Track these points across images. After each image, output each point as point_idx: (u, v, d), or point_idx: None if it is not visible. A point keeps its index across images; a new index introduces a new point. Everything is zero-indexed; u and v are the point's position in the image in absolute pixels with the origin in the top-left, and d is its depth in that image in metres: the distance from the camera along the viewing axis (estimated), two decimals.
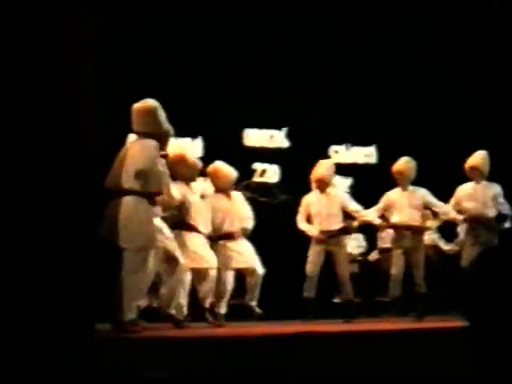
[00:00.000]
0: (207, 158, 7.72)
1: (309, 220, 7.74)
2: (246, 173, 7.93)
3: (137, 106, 5.56)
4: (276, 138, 10.19)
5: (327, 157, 10.22)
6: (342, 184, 10.21)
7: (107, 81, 5.78)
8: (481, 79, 9.02)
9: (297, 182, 8.19)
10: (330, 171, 7.73)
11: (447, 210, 7.41)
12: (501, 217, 7.32)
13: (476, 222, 7.22)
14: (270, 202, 8.04)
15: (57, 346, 3.71)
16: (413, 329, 5.69)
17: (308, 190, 7.83)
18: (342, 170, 10.20)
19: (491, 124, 8.92)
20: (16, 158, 4.24)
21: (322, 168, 7.68)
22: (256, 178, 9.24)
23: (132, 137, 5.69)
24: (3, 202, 4.20)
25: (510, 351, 0.86)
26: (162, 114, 5.55)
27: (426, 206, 7.50)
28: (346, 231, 7.59)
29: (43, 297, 4.13)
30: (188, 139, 9.57)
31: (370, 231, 9.02)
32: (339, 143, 10.38)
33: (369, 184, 9.81)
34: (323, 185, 7.59)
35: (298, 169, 8.42)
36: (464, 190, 7.45)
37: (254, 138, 10.07)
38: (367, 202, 9.05)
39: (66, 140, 4.36)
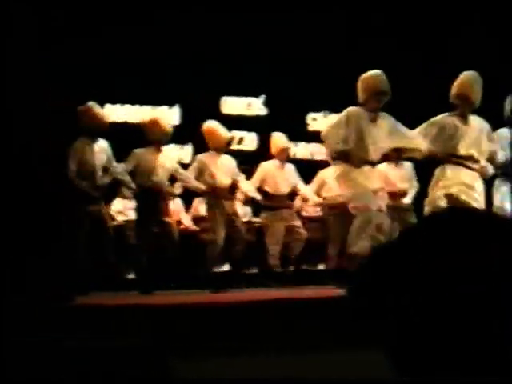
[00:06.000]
0: (185, 127, 7.68)
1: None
2: None
3: None
4: (254, 106, 10.16)
5: (305, 124, 10.22)
6: (321, 151, 10.21)
7: None
8: None
9: None
10: None
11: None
12: None
13: None
14: (249, 170, 8.01)
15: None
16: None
17: None
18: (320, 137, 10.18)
19: None
20: None
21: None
22: (234, 146, 9.21)
23: None
24: None
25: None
26: None
27: None
28: None
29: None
30: (165, 107, 9.52)
31: None
32: (317, 111, 10.36)
33: None
34: None
35: None
36: None
37: (232, 105, 10.03)
38: None
39: None
